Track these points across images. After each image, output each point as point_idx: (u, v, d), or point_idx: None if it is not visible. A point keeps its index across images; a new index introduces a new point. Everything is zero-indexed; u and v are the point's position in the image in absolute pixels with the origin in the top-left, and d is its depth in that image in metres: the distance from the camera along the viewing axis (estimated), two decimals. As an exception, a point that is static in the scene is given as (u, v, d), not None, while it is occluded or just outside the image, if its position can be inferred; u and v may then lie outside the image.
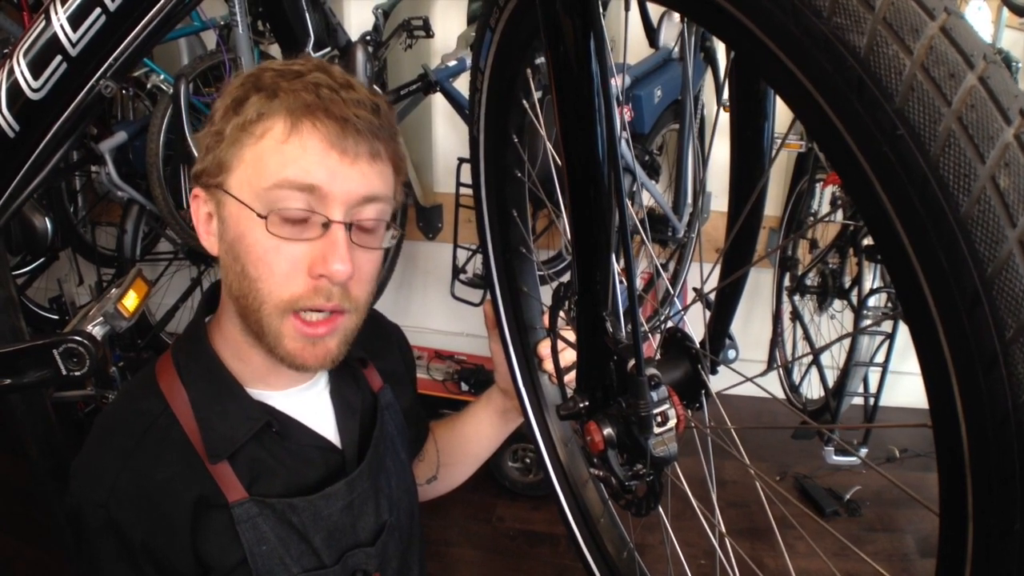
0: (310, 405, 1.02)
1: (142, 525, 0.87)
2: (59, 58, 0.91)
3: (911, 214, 0.41)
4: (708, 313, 0.89)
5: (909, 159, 0.40)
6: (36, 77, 0.92)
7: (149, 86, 2.35)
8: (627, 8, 0.79)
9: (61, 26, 0.89)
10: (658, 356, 0.82)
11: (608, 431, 0.74)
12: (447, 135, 2.94)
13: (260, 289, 0.86)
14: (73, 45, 0.90)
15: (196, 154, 0.92)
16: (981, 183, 0.39)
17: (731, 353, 0.90)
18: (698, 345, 0.80)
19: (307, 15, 1.82)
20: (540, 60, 0.90)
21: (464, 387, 2.65)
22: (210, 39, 2.49)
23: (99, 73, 0.92)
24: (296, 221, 0.84)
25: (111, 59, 0.92)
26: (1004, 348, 0.39)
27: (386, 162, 0.89)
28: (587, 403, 0.78)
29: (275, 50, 2.17)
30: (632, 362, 0.70)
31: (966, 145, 0.39)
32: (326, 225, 0.84)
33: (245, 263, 0.86)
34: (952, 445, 0.43)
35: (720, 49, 2.37)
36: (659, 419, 0.70)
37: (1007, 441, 0.40)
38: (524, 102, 0.96)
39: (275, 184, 0.82)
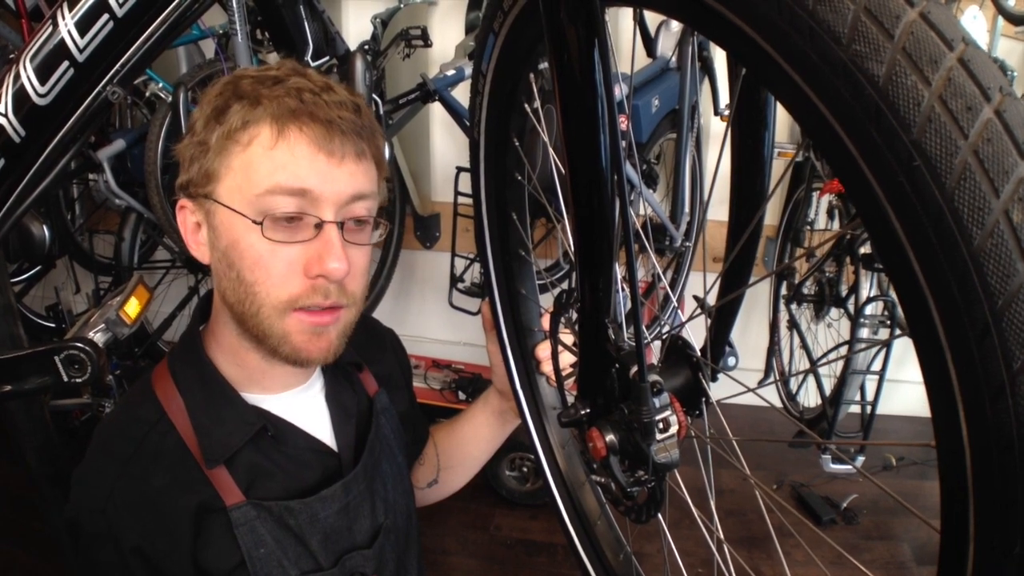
0: (305, 409, 1.02)
1: (139, 531, 0.88)
2: (66, 63, 0.92)
3: (925, 244, 0.41)
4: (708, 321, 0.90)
5: (925, 190, 0.40)
6: (43, 82, 0.92)
7: (147, 94, 2.35)
8: (635, 19, 0.80)
9: (69, 31, 0.90)
10: (659, 363, 0.83)
11: (610, 437, 0.74)
12: (445, 144, 2.94)
13: (257, 293, 0.87)
14: (80, 51, 0.91)
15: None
16: (995, 217, 0.39)
17: (731, 360, 0.91)
18: (698, 353, 0.80)
19: (306, 24, 1.81)
20: (543, 65, 0.91)
21: (462, 396, 2.64)
22: (209, 48, 2.50)
23: (106, 79, 0.93)
24: (289, 224, 0.85)
25: (118, 65, 0.92)
26: (1012, 378, 0.39)
27: (370, 160, 0.92)
28: (588, 410, 0.78)
29: (273, 59, 2.17)
30: (634, 368, 0.70)
31: (981, 179, 0.39)
32: (319, 226, 0.86)
33: (240, 269, 0.87)
34: (956, 468, 0.43)
35: (718, 59, 2.38)
36: (661, 425, 0.70)
37: (1011, 468, 0.40)
38: (526, 106, 0.96)
39: (267, 190, 0.84)
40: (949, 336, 0.42)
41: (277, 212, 0.84)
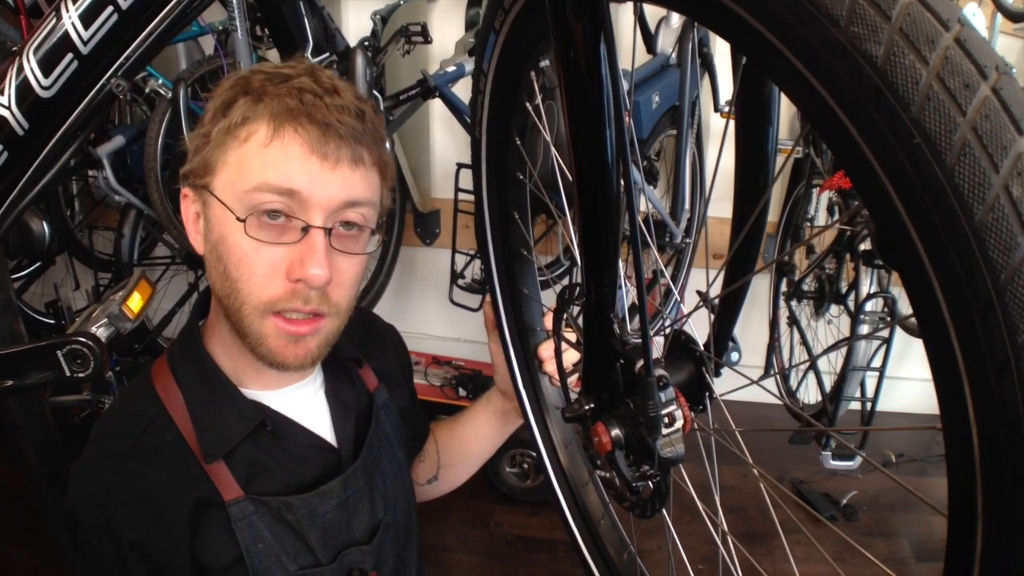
0: (305, 404, 1.02)
1: (137, 526, 0.88)
2: (70, 56, 0.91)
3: (926, 221, 0.41)
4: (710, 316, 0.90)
5: (925, 168, 0.41)
6: (47, 75, 0.92)
7: (147, 90, 2.34)
8: (636, 12, 0.80)
9: (73, 24, 0.89)
10: (662, 359, 0.83)
11: (616, 432, 0.74)
12: (445, 140, 2.94)
13: (240, 290, 0.87)
14: (84, 43, 0.90)
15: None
16: (995, 192, 0.39)
17: (734, 355, 0.91)
18: (702, 348, 0.80)
19: (306, 20, 1.81)
20: (544, 63, 0.91)
21: (462, 392, 2.64)
22: (208, 44, 2.49)
23: (110, 72, 0.92)
24: (276, 224, 0.85)
25: (122, 58, 0.92)
26: (1016, 352, 0.39)
27: (370, 167, 0.90)
28: (593, 405, 0.78)
29: (273, 55, 2.17)
30: (640, 363, 0.70)
31: (980, 155, 0.40)
32: (305, 230, 0.85)
33: (227, 264, 0.87)
34: (963, 447, 0.43)
35: (718, 55, 2.37)
36: (666, 420, 0.70)
37: (1018, 444, 0.40)
38: (527, 105, 0.96)
39: (255, 187, 0.84)
40: (952, 312, 0.42)
41: (262, 209, 0.84)
